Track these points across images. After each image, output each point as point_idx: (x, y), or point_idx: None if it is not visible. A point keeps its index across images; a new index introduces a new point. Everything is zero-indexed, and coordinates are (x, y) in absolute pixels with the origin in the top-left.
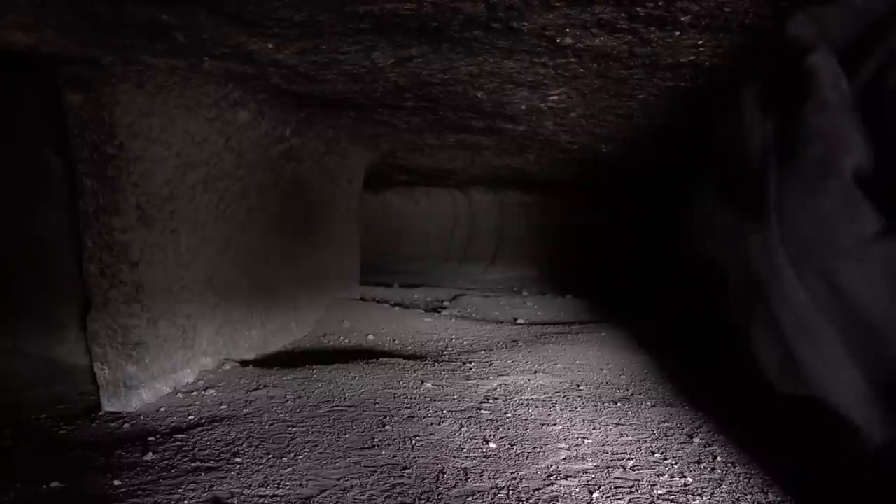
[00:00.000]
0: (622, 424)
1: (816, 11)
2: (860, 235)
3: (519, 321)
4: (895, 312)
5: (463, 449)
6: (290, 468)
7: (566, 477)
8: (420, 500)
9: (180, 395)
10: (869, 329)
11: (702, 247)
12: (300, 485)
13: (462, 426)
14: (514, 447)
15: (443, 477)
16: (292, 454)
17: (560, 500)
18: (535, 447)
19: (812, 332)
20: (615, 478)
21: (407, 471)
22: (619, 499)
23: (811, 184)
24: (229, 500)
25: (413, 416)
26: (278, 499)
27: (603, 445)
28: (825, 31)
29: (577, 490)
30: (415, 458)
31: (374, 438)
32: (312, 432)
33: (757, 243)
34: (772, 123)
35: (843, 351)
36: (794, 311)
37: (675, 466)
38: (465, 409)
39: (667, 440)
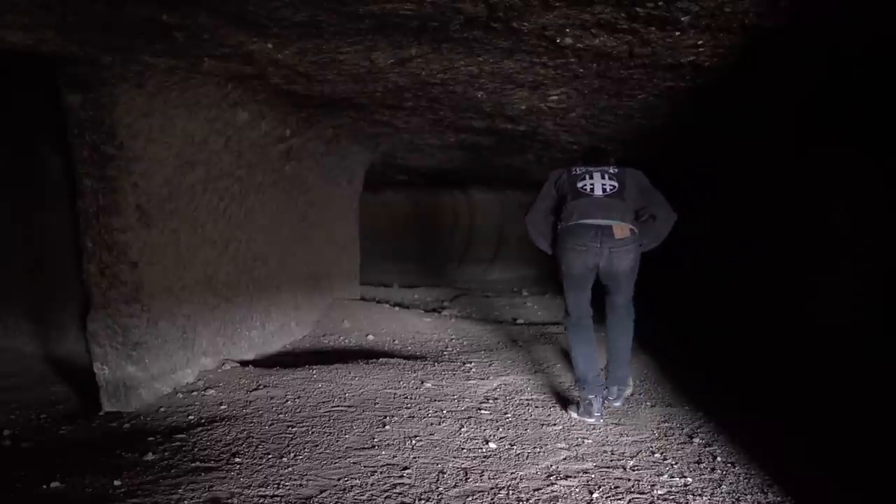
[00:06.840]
0: (622, 424)
1: (554, 171)
2: (541, 216)
3: (519, 321)
4: (540, 224)
5: (463, 449)
6: (290, 468)
7: (566, 477)
8: (420, 500)
9: (180, 395)
10: (539, 224)
11: None
12: (300, 485)
13: (462, 426)
14: (514, 447)
15: (443, 477)
16: (292, 454)
17: (560, 500)
18: (535, 447)
19: (536, 227)
20: (615, 478)
21: (407, 471)
22: (619, 499)
23: (537, 205)
24: (229, 501)
25: (413, 416)
26: (278, 499)
27: (603, 445)
28: (554, 176)
29: (577, 490)
30: (415, 458)
31: (374, 438)
32: (312, 432)
33: (532, 214)
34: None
35: (540, 232)
36: (532, 222)
37: (675, 466)
38: (465, 409)
39: (667, 440)
